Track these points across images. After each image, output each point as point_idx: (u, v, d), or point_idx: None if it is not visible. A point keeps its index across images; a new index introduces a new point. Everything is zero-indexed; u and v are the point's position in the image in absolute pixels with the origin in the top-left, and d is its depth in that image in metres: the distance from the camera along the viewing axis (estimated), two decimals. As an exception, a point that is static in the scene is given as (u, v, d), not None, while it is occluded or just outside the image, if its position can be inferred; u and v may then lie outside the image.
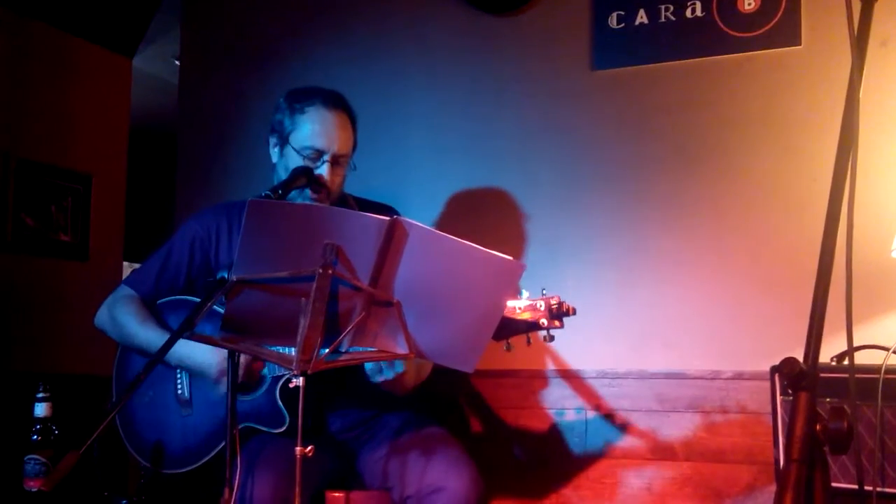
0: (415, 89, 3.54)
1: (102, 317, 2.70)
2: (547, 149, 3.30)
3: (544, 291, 2.17)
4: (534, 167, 3.31)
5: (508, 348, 2.21)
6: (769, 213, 2.98)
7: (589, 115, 3.26)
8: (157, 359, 2.08)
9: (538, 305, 2.15)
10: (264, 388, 2.50)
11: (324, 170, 2.57)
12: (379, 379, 2.37)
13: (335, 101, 2.65)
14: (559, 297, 2.16)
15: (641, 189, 3.15)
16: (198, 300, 2.59)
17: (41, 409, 2.64)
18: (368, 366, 2.35)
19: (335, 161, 2.60)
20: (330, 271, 1.89)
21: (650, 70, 3.19)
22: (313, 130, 2.58)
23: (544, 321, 2.15)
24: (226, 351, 2.44)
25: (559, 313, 2.15)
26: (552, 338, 2.18)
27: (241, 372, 2.44)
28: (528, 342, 2.22)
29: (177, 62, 4.16)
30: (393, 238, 1.93)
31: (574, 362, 3.16)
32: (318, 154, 2.58)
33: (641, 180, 3.16)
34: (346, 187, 2.73)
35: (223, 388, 2.44)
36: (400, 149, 3.50)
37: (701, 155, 3.09)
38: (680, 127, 3.13)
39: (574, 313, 2.18)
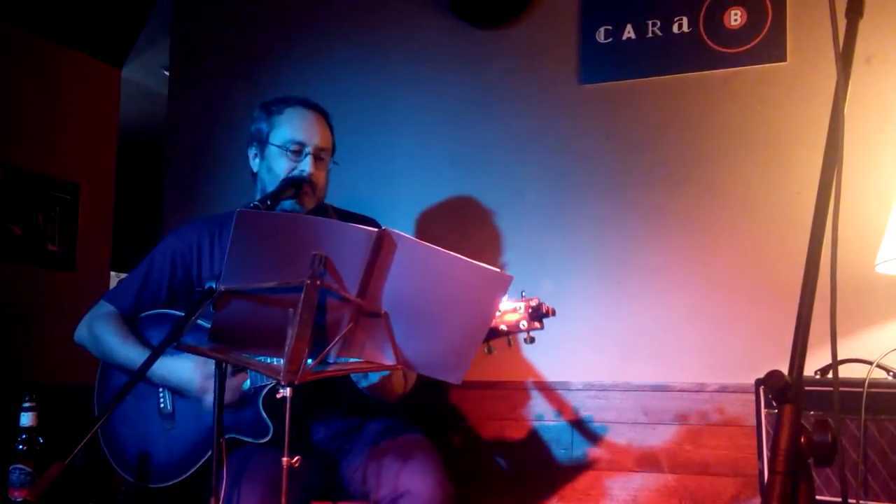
0: (404, 101, 3.55)
1: (83, 333, 2.68)
2: (533, 161, 3.31)
3: (523, 293, 2.18)
4: (520, 179, 3.32)
5: (489, 351, 2.21)
6: (755, 227, 3.00)
7: (576, 129, 3.27)
8: (142, 371, 2.08)
9: (517, 307, 2.16)
10: (248, 396, 2.49)
11: (307, 163, 2.59)
12: (364, 384, 2.37)
13: (311, 103, 2.71)
14: (538, 299, 2.17)
15: (627, 202, 3.17)
16: (180, 314, 2.59)
17: (27, 419, 2.63)
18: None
19: (317, 156, 2.62)
20: (318, 282, 1.89)
21: (637, 84, 3.21)
22: (293, 125, 2.63)
23: (524, 323, 2.16)
24: (207, 369, 2.46)
25: (538, 314, 2.16)
26: (532, 339, 2.18)
27: (230, 395, 2.44)
28: (509, 344, 2.23)
29: (166, 73, 4.16)
30: (381, 249, 1.93)
31: (560, 374, 3.16)
32: (300, 147, 2.60)
33: (627, 193, 3.17)
34: (332, 197, 2.74)
35: (206, 403, 2.45)
36: (387, 159, 3.51)
37: (687, 168, 3.11)
38: (666, 141, 3.14)
39: (553, 314, 2.18)
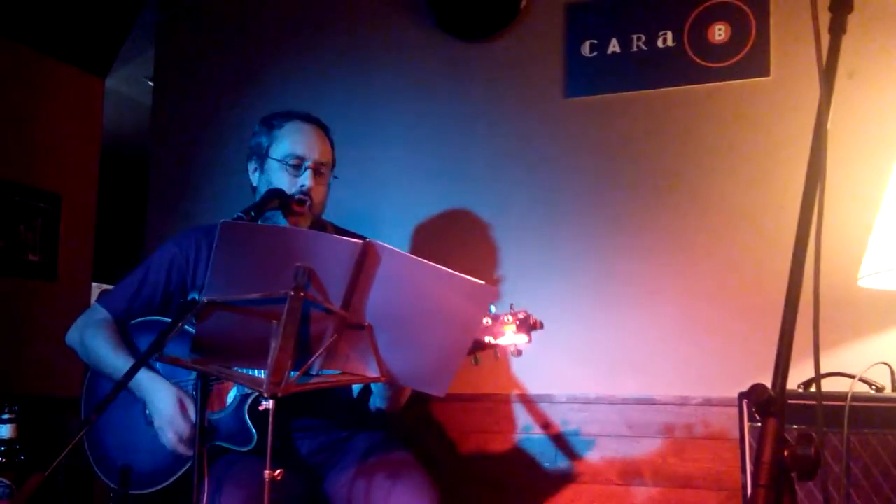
0: (389, 114, 3.55)
1: (74, 338, 2.67)
2: (519, 174, 3.31)
3: (512, 306, 2.18)
4: (506, 192, 3.32)
5: (476, 362, 2.21)
6: (738, 241, 3.00)
7: (561, 142, 3.28)
8: (124, 382, 2.06)
9: (505, 320, 2.16)
10: (234, 405, 2.48)
11: (306, 177, 2.59)
12: (382, 405, 2.45)
13: (312, 118, 2.71)
14: (526, 311, 2.17)
15: (612, 215, 3.17)
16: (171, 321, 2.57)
17: (6, 431, 2.62)
18: (377, 385, 2.41)
19: (317, 170, 2.62)
20: (302, 294, 1.88)
21: (622, 98, 3.21)
22: (293, 139, 2.63)
23: (512, 336, 2.16)
24: (179, 408, 2.44)
25: (526, 327, 2.16)
26: (520, 352, 2.19)
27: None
28: (496, 356, 2.23)
29: (150, 83, 4.14)
30: (365, 261, 1.93)
31: (544, 387, 3.15)
32: (300, 161, 2.60)
33: (612, 207, 3.18)
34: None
35: (164, 438, 2.44)
36: (373, 172, 3.50)
37: (671, 182, 3.12)
38: (650, 154, 3.15)
39: (541, 327, 2.19)
